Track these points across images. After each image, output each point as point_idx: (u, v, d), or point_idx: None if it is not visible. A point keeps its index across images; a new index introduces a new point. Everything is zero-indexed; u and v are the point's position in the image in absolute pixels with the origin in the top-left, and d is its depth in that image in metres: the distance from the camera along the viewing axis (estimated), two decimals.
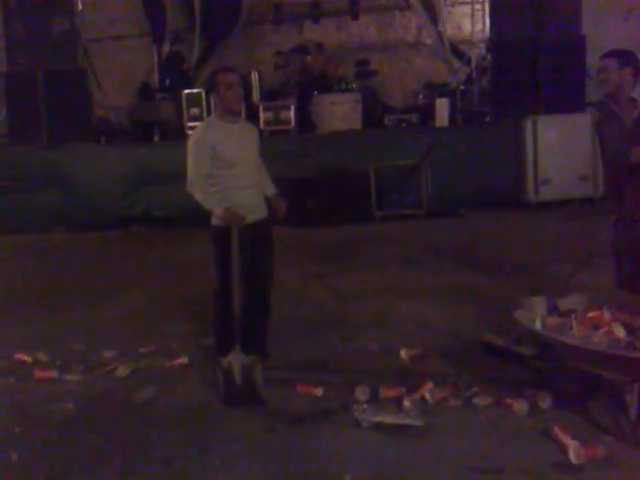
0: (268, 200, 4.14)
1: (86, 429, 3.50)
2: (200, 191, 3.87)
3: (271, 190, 4.17)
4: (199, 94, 9.41)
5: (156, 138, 9.80)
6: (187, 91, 9.49)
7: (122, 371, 4.22)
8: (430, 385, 3.63)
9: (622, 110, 3.76)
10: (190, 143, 3.92)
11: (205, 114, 9.35)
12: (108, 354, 4.51)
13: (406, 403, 3.45)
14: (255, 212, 3.98)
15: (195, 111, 9.37)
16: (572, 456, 2.92)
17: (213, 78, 4.00)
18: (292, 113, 9.10)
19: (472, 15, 10.72)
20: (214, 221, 3.96)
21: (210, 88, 4.08)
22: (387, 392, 3.62)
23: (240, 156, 3.91)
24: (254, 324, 4.03)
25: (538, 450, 3.04)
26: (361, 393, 3.62)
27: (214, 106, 4.18)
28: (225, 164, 3.85)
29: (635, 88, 3.75)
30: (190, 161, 3.90)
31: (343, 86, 9.79)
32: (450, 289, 5.44)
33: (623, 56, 3.72)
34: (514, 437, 3.15)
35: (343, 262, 6.64)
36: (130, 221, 9.15)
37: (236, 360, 3.69)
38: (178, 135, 9.68)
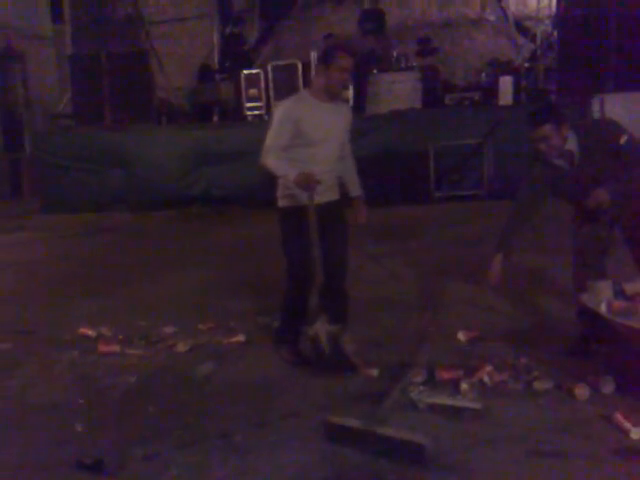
0: (350, 199, 4.02)
1: (147, 402, 3.58)
2: (274, 157, 3.68)
3: (356, 191, 4.02)
4: (257, 75, 9.46)
5: (215, 119, 9.90)
6: (246, 72, 9.54)
7: (182, 346, 4.30)
8: (488, 368, 3.56)
9: (564, 160, 3.61)
10: (276, 113, 3.79)
11: (263, 94, 9.42)
12: (168, 330, 4.60)
13: (464, 385, 3.40)
14: (325, 194, 3.79)
15: (253, 92, 9.44)
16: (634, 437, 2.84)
17: (330, 54, 3.70)
18: (350, 92, 9.03)
19: None
20: (282, 202, 3.87)
21: (321, 60, 3.77)
22: (444, 374, 3.58)
23: (322, 136, 3.73)
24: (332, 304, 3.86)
25: (599, 436, 2.96)
26: (417, 375, 3.59)
27: (314, 78, 3.94)
28: (305, 141, 3.70)
29: None
30: (271, 131, 3.73)
31: (403, 64, 9.64)
32: (511, 271, 5.32)
33: (554, 116, 3.53)
34: (574, 422, 3.07)
35: (400, 243, 6.58)
36: (189, 201, 9.30)
37: (322, 328, 3.63)
38: (237, 116, 9.77)
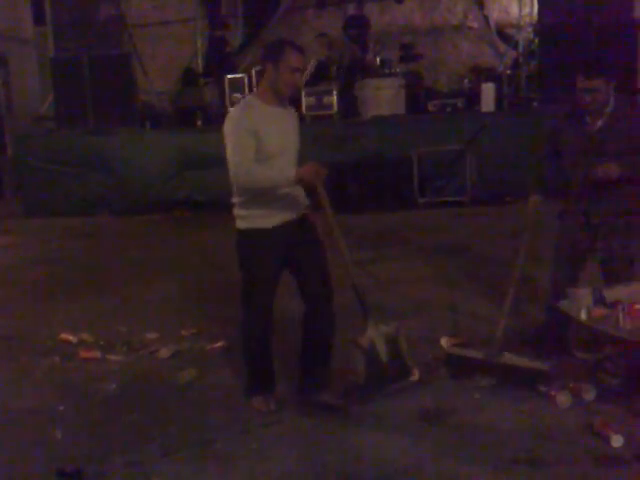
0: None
1: (128, 409, 3.55)
2: (254, 172, 3.19)
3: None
4: (242, 79, 9.45)
5: (199, 123, 9.88)
6: (230, 76, 9.53)
7: (164, 353, 4.28)
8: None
9: (590, 120, 3.70)
10: (228, 129, 3.24)
11: None
12: (150, 336, 4.57)
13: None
14: (293, 208, 3.34)
15: (238, 96, 9.40)
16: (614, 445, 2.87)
17: (278, 50, 3.20)
18: (334, 98, 9.06)
19: None
20: (243, 224, 3.33)
21: (268, 58, 3.24)
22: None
23: (281, 147, 3.27)
24: (317, 342, 3.43)
25: (580, 443, 2.98)
26: None
27: (260, 79, 3.37)
28: (264, 155, 3.20)
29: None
30: (231, 148, 3.21)
31: (387, 70, 9.68)
32: (495, 278, 5.36)
33: (607, 73, 3.61)
34: (555, 429, 3.09)
35: (384, 249, 6.60)
36: (173, 205, 9.26)
37: (377, 334, 3.20)
38: (221, 120, 9.75)
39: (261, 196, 3.27)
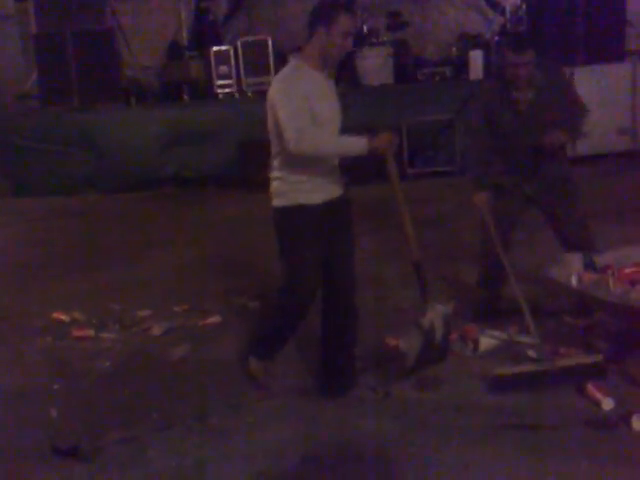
0: None
1: (122, 386, 3.56)
2: (322, 137, 3.00)
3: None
4: (227, 51, 9.33)
5: (185, 98, 9.77)
6: (215, 48, 9.41)
7: (157, 329, 4.28)
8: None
9: (520, 94, 3.71)
10: (280, 94, 2.97)
11: (234, 72, 9.29)
12: (143, 313, 4.57)
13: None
14: (333, 189, 3.17)
15: (224, 69, 9.31)
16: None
17: (332, 14, 2.96)
18: None
19: None
20: (281, 201, 3.10)
21: (319, 21, 2.99)
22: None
23: (331, 115, 3.09)
24: (339, 341, 3.28)
25: (570, 407, 3.01)
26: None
27: (310, 44, 3.06)
28: (316, 123, 2.99)
29: None
30: (289, 114, 2.92)
31: (374, 39, 9.57)
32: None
33: (533, 46, 3.62)
34: (547, 394, 3.12)
35: (374, 221, 6.59)
36: (161, 182, 9.19)
37: (436, 314, 3.09)
38: (208, 94, 9.65)
39: (310, 169, 3.05)
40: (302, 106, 2.92)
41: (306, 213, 3.05)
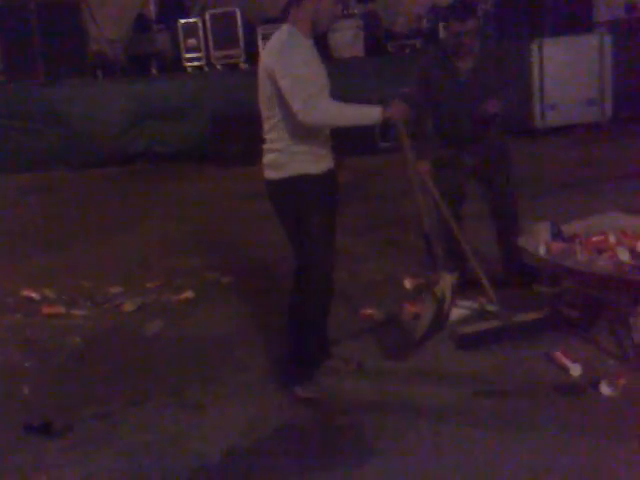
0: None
1: (95, 362, 3.55)
2: (334, 106, 2.89)
3: None
4: (195, 24, 9.18)
5: (154, 71, 9.61)
6: (183, 21, 9.26)
7: (129, 306, 4.26)
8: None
9: (461, 63, 3.75)
10: (284, 62, 2.83)
11: (202, 44, 9.14)
12: (114, 290, 4.54)
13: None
14: (330, 157, 3.10)
15: (192, 42, 9.17)
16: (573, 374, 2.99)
17: None
18: None
19: None
20: (297, 169, 2.94)
21: None
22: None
23: (324, 81, 2.98)
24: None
25: (539, 374, 3.07)
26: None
27: (300, 10, 2.93)
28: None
29: None
30: (294, 83, 2.79)
31: (345, 11, 9.47)
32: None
33: (476, 13, 3.70)
34: (515, 361, 3.18)
35: (346, 195, 6.58)
36: (132, 157, 9.07)
37: (446, 283, 3.15)
38: (176, 67, 9.50)
39: (311, 140, 2.94)
40: (307, 73, 2.83)
41: (310, 182, 2.95)
